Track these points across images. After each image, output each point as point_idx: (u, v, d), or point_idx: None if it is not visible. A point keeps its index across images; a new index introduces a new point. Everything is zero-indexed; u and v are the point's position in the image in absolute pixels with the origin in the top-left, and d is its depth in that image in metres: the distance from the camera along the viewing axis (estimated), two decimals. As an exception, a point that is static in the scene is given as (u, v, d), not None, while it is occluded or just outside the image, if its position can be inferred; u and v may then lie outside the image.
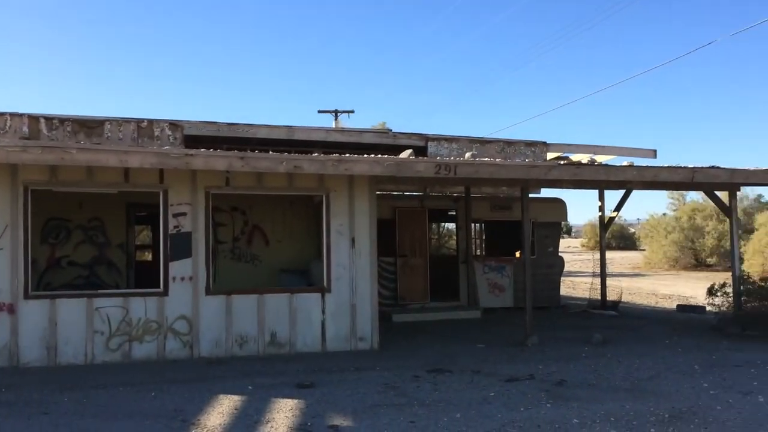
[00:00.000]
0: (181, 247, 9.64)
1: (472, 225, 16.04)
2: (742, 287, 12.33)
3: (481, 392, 7.43)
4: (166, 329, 9.46)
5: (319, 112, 31.29)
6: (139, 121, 11.54)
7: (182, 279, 9.61)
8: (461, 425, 6.16)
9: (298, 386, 7.70)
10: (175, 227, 9.66)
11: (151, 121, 11.61)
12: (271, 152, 9.97)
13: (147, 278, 11.50)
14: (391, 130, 14.48)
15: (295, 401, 7.05)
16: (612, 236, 52.43)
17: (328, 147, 12.96)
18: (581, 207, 66.26)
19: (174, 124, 11.69)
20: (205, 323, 9.63)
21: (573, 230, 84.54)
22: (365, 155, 10.48)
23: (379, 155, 10.55)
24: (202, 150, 9.47)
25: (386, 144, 13.26)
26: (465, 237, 15.54)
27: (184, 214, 9.70)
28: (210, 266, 9.84)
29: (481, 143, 13.76)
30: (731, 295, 12.45)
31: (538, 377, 8.19)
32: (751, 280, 12.82)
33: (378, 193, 11.21)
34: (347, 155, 10.02)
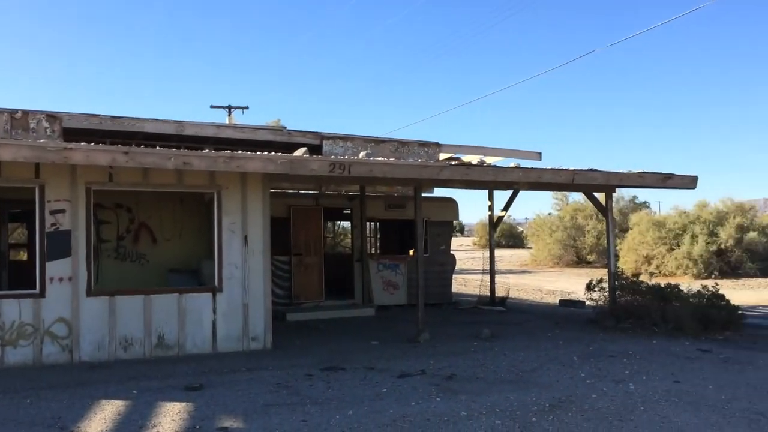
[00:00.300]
0: (59, 245, 9.10)
1: (367, 223, 16.16)
2: (616, 283, 13.12)
3: (374, 388, 7.51)
4: (42, 333, 8.90)
5: (212, 107, 30.40)
6: (12, 112, 10.75)
7: (60, 279, 9.07)
8: (353, 422, 6.20)
9: (187, 389, 7.48)
10: (53, 225, 9.11)
11: (26, 112, 10.85)
12: (158, 147, 9.60)
13: (22, 279, 10.77)
14: (285, 127, 14.32)
15: (184, 404, 6.84)
16: (502, 235, 54.63)
17: (220, 143, 12.65)
18: (473, 206, 68.64)
19: (52, 116, 10.98)
20: (86, 326, 9.14)
21: (465, 229, 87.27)
22: (259, 152, 10.31)
23: (273, 153, 10.42)
24: (83, 144, 8.96)
25: (281, 142, 13.11)
26: (360, 235, 15.65)
27: (62, 211, 9.16)
28: (91, 266, 9.35)
29: (375, 143, 13.89)
30: (607, 290, 13.23)
31: (429, 372, 8.39)
32: (625, 276, 13.70)
33: (272, 191, 11.07)
34: (240, 152, 9.82)
